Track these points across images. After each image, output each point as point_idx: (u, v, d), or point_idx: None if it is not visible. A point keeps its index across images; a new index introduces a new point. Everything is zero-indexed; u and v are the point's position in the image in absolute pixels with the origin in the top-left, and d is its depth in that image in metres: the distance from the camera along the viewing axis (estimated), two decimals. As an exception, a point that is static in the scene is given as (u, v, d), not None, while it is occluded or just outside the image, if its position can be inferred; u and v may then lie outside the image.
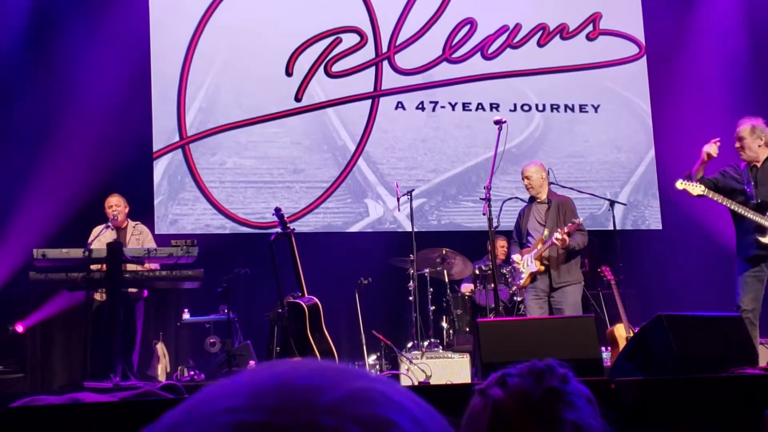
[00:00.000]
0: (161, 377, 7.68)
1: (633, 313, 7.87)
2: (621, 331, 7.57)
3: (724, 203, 6.09)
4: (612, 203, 8.33)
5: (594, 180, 9.69)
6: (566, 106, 9.95)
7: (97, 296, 7.00)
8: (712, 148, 6.13)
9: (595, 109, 10.01)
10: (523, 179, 7.25)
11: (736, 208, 6.07)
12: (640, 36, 10.23)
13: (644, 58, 10.20)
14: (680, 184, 6.19)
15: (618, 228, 8.35)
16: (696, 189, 6.08)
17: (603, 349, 6.74)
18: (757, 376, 4.18)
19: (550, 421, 1.29)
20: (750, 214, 5.97)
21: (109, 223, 7.22)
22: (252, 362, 7.46)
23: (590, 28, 10.12)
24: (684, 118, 9.86)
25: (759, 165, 6.11)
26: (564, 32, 10.04)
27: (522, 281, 7.11)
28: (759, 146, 6.09)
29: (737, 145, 6.15)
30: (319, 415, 0.55)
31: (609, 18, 10.17)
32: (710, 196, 6.06)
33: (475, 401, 1.36)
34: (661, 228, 9.92)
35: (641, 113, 10.11)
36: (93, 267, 6.66)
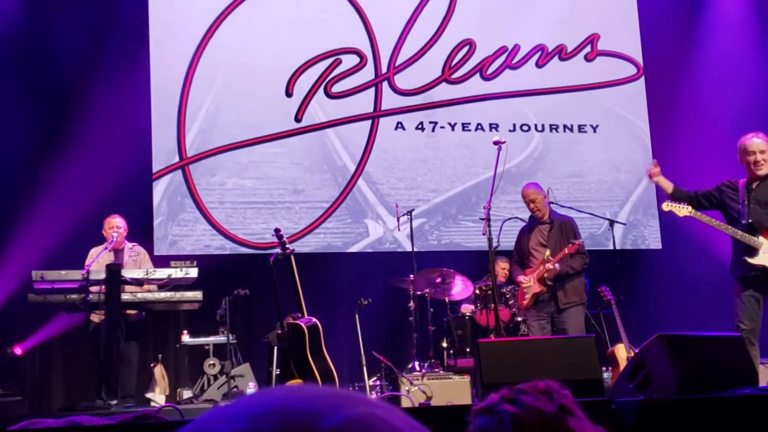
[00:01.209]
0: (160, 400, 7.65)
1: (633, 333, 7.85)
2: (621, 352, 7.55)
3: (711, 224, 6.09)
4: (611, 223, 8.34)
5: (593, 200, 9.70)
6: (565, 126, 9.97)
7: (95, 318, 6.97)
8: (653, 171, 6.53)
9: (594, 129, 10.03)
10: (527, 203, 7.22)
11: (723, 230, 6.06)
12: (639, 57, 10.27)
13: (642, 78, 10.24)
14: (666, 206, 6.22)
15: (618, 248, 8.36)
16: (682, 210, 6.11)
17: (603, 369, 6.73)
18: (758, 396, 4.17)
19: None
20: (739, 235, 5.96)
21: (108, 245, 7.20)
22: (252, 384, 7.44)
23: (588, 48, 10.16)
24: (682, 138, 9.89)
25: (756, 185, 6.10)
26: (562, 53, 10.08)
27: (525, 301, 7.10)
28: None
29: (760, 158, 6.07)
30: None
31: (607, 39, 10.22)
32: (696, 216, 6.08)
33: (484, 420, 1.35)
34: (660, 247, 9.92)
35: (640, 133, 10.13)
36: (92, 289, 6.65)
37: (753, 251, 5.93)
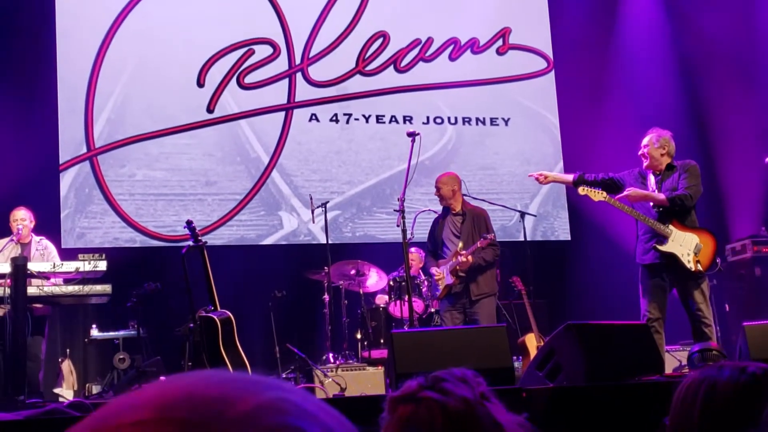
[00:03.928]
0: (68, 395, 7.47)
1: (543, 322, 8.01)
2: (532, 341, 7.69)
3: (624, 210, 6.26)
4: (522, 215, 8.46)
5: (505, 192, 9.84)
6: (477, 119, 10.09)
7: (-1, 312, 6.77)
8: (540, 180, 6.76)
9: (506, 122, 10.18)
10: (435, 189, 7.33)
11: (635, 216, 6.24)
12: (549, 51, 10.45)
13: (552, 72, 10.43)
14: (582, 190, 6.36)
15: (528, 239, 8.49)
16: (597, 195, 6.25)
17: (514, 358, 6.84)
18: (663, 383, 4.30)
19: (490, 423, 1.31)
20: (650, 222, 6.15)
21: (13, 237, 7.00)
22: (163, 379, 7.31)
23: (500, 42, 10.30)
24: (591, 131, 10.10)
25: (661, 174, 6.32)
26: (475, 46, 10.19)
27: (439, 293, 7.15)
28: (661, 155, 6.31)
29: (640, 152, 6.36)
30: (230, 426, 0.54)
31: (518, 33, 10.37)
32: (610, 202, 6.23)
33: (409, 409, 1.34)
34: (569, 239, 10.13)
35: (550, 126, 10.32)
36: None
37: (663, 239, 6.11)
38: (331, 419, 0.60)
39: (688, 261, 6.07)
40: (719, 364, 1.85)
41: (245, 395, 0.57)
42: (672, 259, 6.09)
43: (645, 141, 6.38)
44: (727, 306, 8.77)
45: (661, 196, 6.16)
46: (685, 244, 6.10)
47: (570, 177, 6.67)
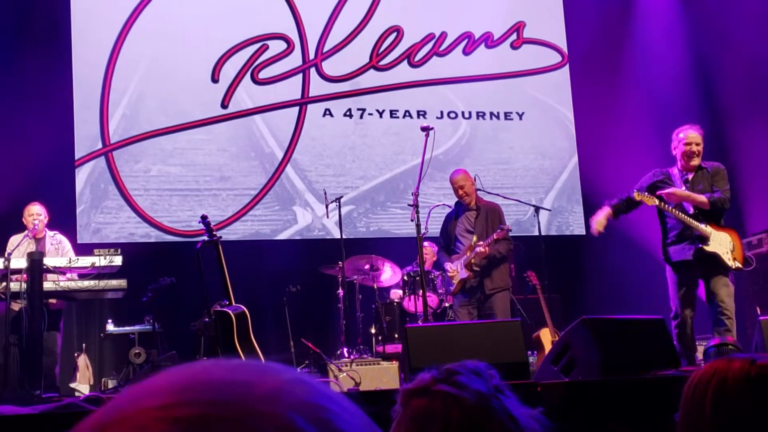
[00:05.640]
0: (84, 389, 7.51)
1: (558, 317, 7.99)
2: (546, 335, 7.68)
3: (671, 213, 6.20)
4: (537, 209, 8.45)
5: (519, 186, 9.82)
6: (492, 114, 10.07)
7: (15, 306, 6.80)
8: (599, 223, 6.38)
9: (520, 116, 10.14)
10: (456, 189, 7.25)
11: (682, 219, 6.16)
12: (563, 45, 10.41)
13: (567, 66, 10.39)
14: (638, 196, 6.26)
15: (543, 233, 8.47)
16: (652, 201, 6.20)
17: (529, 353, 6.82)
18: (678, 377, 4.28)
19: (505, 416, 1.30)
20: (694, 224, 6.10)
21: (29, 233, 7.04)
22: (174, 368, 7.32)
23: (514, 36, 10.27)
24: (606, 125, 10.06)
25: (692, 177, 6.27)
26: (489, 41, 10.16)
27: (453, 287, 7.15)
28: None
29: (696, 149, 6.23)
30: (257, 403, 0.55)
31: (532, 27, 10.33)
32: (663, 207, 6.20)
33: (423, 402, 1.34)
34: (584, 233, 10.09)
35: (564, 121, 10.28)
36: (12, 277, 6.49)
37: (705, 239, 6.10)
38: (342, 398, 0.62)
39: (729, 259, 6.10)
40: (728, 357, 1.84)
41: (264, 377, 0.58)
42: (711, 258, 6.09)
43: (697, 138, 6.25)
44: (758, 309, 8.63)
45: (703, 198, 6.14)
46: (723, 244, 6.13)
47: (609, 212, 6.41)
